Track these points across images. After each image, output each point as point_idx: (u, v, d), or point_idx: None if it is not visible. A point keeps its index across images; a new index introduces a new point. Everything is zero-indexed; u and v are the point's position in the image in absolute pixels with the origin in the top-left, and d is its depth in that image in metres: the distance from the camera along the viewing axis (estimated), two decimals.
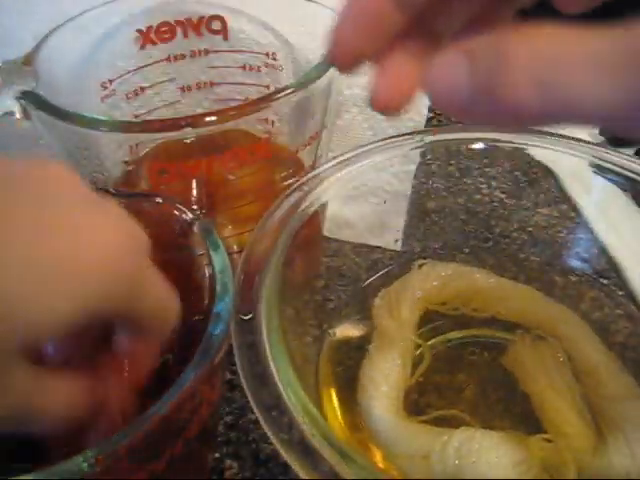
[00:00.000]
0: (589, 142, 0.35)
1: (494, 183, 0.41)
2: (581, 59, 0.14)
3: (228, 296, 0.24)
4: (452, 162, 0.39)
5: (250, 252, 0.30)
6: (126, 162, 0.35)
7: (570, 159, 0.35)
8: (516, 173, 0.42)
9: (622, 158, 0.33)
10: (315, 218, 0.34)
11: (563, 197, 0.42)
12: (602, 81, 0.14)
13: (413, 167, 0.38)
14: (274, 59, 0.42)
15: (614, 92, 0.13)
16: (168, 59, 0.42)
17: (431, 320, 0.37)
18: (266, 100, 0.32)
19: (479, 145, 0.36)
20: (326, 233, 0.40)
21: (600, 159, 0.34)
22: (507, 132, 0.35)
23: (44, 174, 0.19)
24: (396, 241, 0.41)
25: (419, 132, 0.36)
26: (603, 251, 0.39)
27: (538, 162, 0.38)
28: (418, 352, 0.35)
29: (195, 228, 0.28)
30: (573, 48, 0.14)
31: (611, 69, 0.14)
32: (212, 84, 0.44)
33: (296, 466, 0.21)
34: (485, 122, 0.16)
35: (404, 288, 0.36)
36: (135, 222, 0.21)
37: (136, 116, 0.42)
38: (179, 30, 0.41)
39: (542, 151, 0.35)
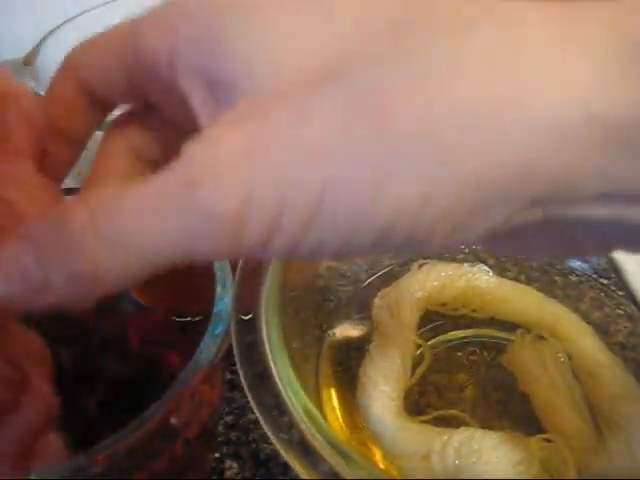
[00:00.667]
0: None
1: None
2: (133, 206, 0.14)
3: (228, 296, 0.24)
4: None
5: None
6: None
7: None
8: None
9: None
10: None
11: None
12: (155, 224, 0.13)
13: None
14: None
15: (170, 234, 0.13)
16: None
17: (431, 320, 0.37)
18: None
19: None
20: None
21: None
22: None
23: None
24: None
25: None
26: None
27: None
28: (418, 352, 0.35)
29: None
30: (126, 197, 0.14)
31: (154, 212, 0.13)
32: None
33: (296, 466, 0.22)
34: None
35: (404, 288, 0.36)
36: None
37: None
38: None
39: None
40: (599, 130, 0.12)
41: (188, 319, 0.29)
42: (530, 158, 0.13)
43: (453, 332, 0.37)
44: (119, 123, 0.20)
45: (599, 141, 0.12)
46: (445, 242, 0.14)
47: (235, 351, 0.25)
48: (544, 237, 0.16)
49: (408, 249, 0.14)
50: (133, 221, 0.14)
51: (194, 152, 0.14)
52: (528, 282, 0.38)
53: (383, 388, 0.32)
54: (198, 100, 0.16)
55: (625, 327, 0.36)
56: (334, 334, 0.35)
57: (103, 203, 0.14)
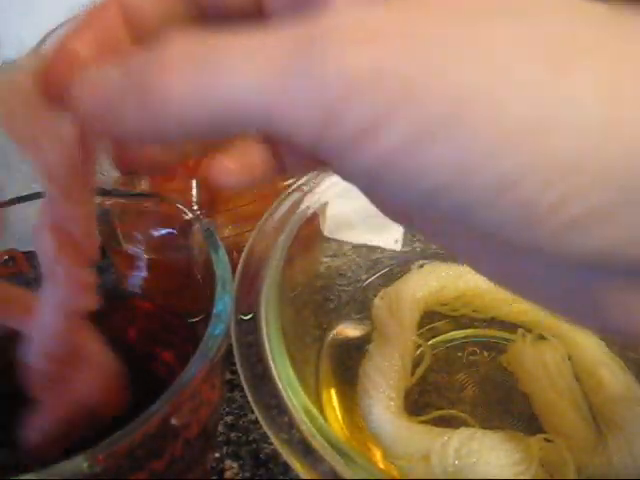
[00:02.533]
0: None
1: None
2: (236, 53, 0.13)
3: (228, 296, 0.24)
4: None
5: (250, 252, 0.30)
6: None
7: None
8: None
9: None
10: (315, 218, 0.34)
11: None
12: (258, 73, 0.12)
13: None
14: None
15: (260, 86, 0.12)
16: None
17: (431, 320, 0.37)
18: None
19: None
20: (326, 233, 0.40)
21: None
22: None
23: None
24: (396, 241, 0.41)
25: None
26: None
27: None
28: (418, 352, 0.35)
29: (195, 228, 0.28)
30: (224, 45, 0.13)
31: (267, 61, 0.12)
32: None
33: (296, 466, 0.22)
34: (137, 139, 0.15)
35: (404, 288, 0.36)
36: None
37: None
38: None
39: None
40: None
41: (188, 319, 0.29)
42: None
43: (453, 332, 0.37)
44: None
45: None
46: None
47: (235, 351, 0.25)
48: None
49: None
50: (228, 67, 0.13)
51: (329, 16, 0.12)
52: None
53: (383, 388, 0.32)
54: None
55: None
56: (334, 334, 0.35)
57: (196, 50, 0.13)
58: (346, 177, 0.14)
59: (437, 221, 0.16)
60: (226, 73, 0.13)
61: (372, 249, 0.41)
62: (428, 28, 0.12)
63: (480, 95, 0.11)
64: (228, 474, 0.33)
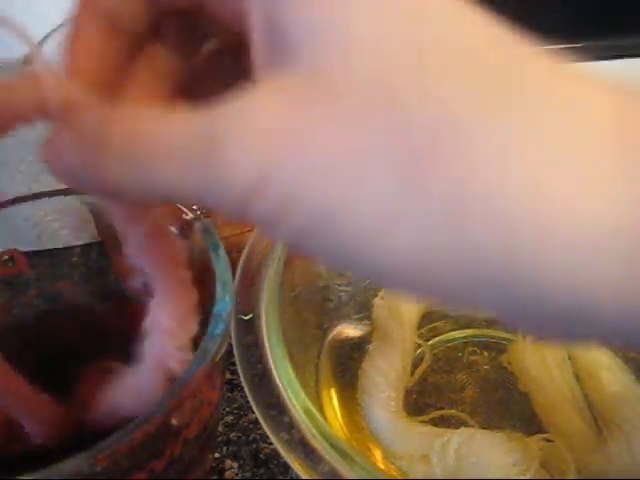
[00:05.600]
0: None
1: None
2: (159, 143, 0.14)
3: (228, 296, 0.24)
4: None
5: (250, 252, 0.30)
6: None
7: None
8: None
9: None
10: None
11: None
12: (174, 168, 0.14)
13: None
14: None
15: (187, 180, 0.14)
16: None
17: (431, 320, 0.37)
18: None
19: None
20: None
21: None
22: None
23: None
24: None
25: None
26: None
27: None
28: (418, 352, 0.35)
29: (195, 228, 0.28)
30: (155, 131, 0.14)
31: (182, 154, 0.14)
32: None
33: (296, 466, 0.22)
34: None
35: None
36: None
37: None
38: None
39: None
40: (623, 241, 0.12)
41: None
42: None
43: (453, 332, 0.37)
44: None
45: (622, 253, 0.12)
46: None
47: (235, 351, 0.25)
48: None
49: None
50: (152, 154, 0.14)
51: (234, 107, 0.13)
52: None
53: (383, 388, 0.32)
54: (259, 25, 0.15)
55: None
56: (334, 334, 0.35)
57: (134, 125, 0.14)
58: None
59: None
60: (152, 170, 0.14)
61: None
62: (313, 133, 0.13)
63: (339, 208, 0.13)
64: (228, 474, 0.33)
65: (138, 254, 0.20)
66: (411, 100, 0.12)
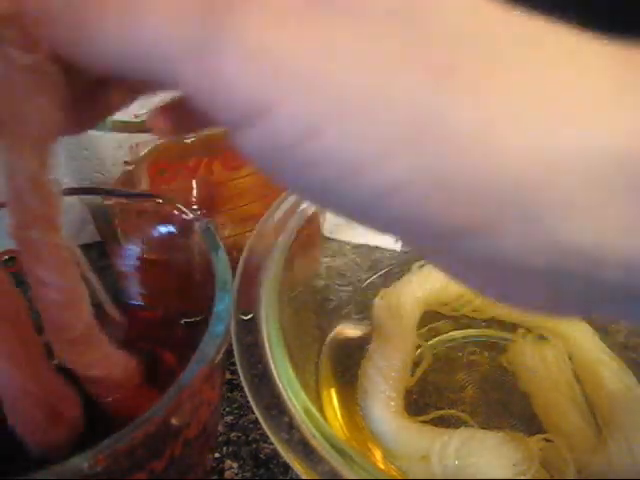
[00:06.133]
0: None
1: None
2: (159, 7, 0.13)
3: (228, 296, 0.24)
4: None
5: (250, 252, 0.30)
6: (126, 162, 0.35)
7: None
8: None
9: None
10: (315, 218, 0.34)
11: None
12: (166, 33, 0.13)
13: None
14: None
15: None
16: None
17: (431, 320, 0.37)
18: None
19: None
20: (326, 233, 0.40)
21: None
22: None
23: None
24: (396, 241, 0.41)
25: None
26: None
27: None
28: (418, 352, 0.35)
29: (195, 228, 0.28)
30: None
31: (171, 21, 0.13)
32: None
33: (296, 466, 0.22)
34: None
35: (404, 288, 0.36)
36: None
37: (136, 116, 0.42)
38: None
39: None
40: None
41: (188, 319, 0.29)
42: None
43: (453, 332, 0.37)
44: None
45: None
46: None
47: (235, 351, 0.25)
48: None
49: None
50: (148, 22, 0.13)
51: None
52: None
53: (383, 388, 0.32)
54: None
55: (625, 327, 0.36)
56: (334, 334, 0.35)
57: None
58: (242, 151, 0.14)
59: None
60: (146, 26, 0.13)
61: (372, 249, 0.41)
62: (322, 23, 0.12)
63: (368, 96, 0.12)
64: (228, 474, 0.33)
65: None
66: (433, 17, 0.12)
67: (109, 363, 0.23)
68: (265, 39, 0.12)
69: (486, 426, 0.31)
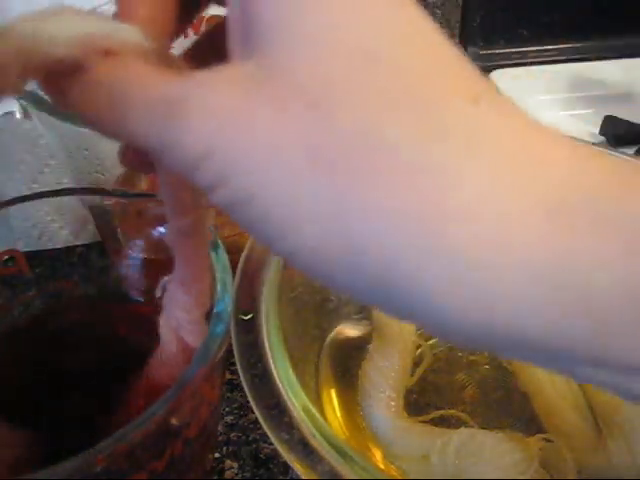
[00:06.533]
0: (588, 142, 0.35)
1: None
2: (134, 94, 0.15)
3: (228, 296, 0.24)
4: None
5: (250, 252, 0.30)
6: None
7: None
8: None
9: (622, 158, 0.33)
10: None
11: None
12: (140, 120, 0.15)
13: None
14: None
15: (150, 135, 0.15)
16: None
17: None
18: None
19: None
20: None
21: None
22: None
23: None
24: None
25: None
26: None
27: None
28: (418, 352, 0.35)
29: None
30: (135, 82, 0.15)
31: (149, 110, 0.15)
32: None
33: (296, 466, 0.22)
34: None
35: None
36: None
37: None
38: None
39: None
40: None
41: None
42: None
43: None
44: None
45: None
46: None
47: (235, 351, 0.25)
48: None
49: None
50: (126, 102, 0.15)
51: (201, 81, 0.14)
52: None
53: (383, 388, 0.32)
54: (235, 15, 0.16)
55: None
56: (334, 334, 0.35)
57: (122, 72, 0.15)
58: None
59: None
60: (123, 116, 0.15)
61: None
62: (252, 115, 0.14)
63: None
64: (228, 474, 0.33)
65: (175, 238, 0.21)
66: (344, 110, 0.13)
67: None
68: (203, 133, 0.14)
69: (486, 426, 0.31)
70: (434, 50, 0.14)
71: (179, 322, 0.23)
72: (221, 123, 0.14)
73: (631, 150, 0.52)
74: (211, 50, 0.20)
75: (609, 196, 0.12)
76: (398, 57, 0.14)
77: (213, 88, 0.14)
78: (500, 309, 0.12)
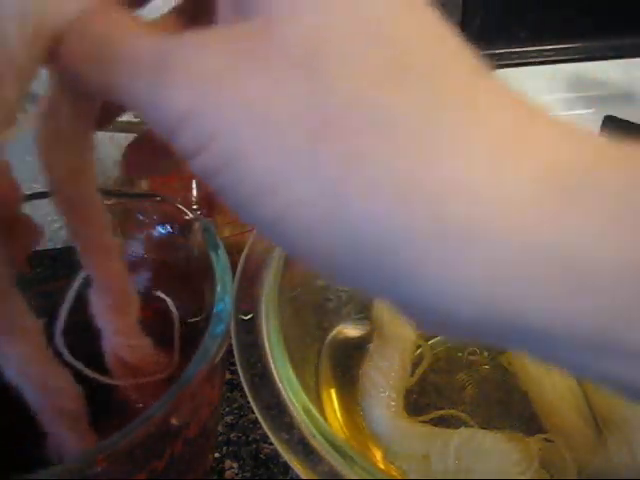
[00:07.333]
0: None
1: None
2: (123, 51, 0.15)
3: (228, 296, 0.24)
4: None
5: (250, 252, 0.30)
6: None
7: None
8: None
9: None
10: None
11: None
12: (127, 75, 0.15)
13: None
14: None
15: (135, 92, 0.15)
16: None
17: None
18: None
19: None
20: None
21: None
22: None
23: None
24: None
25: None
26: None
27: None
28: (418, 352, 0.35)
29: (195, 228, 0.28)
30: (124, 40, 0.15)
31: (136, 66, 0.15)
32: None
33: (296, 466, 0.22)
34: None
35: None
36: None
37: (136, 116, 0.42)
38: None
39: None
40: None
41: (187, 319, 0.29)
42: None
43: None
44: None
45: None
46: None
47: (235, 351, 0.25)
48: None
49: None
50: (114, 58, 0.15)
51: (188, 42, 0.14)
52: None
53: (383, 388, 0.32)
54: None
55: None
56: (334, 334, 0.35)
57: (111, 29, 0.15)
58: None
59: None
60: (111, 71, 0.15)
61: None
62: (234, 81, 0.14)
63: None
64: (228, 474, 0.33)
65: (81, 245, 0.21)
66: (341, 78, 0.13)
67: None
68: (184, 97, 0.14)
69: (486, 426, 0.31)
70: (433, 24, 0.14)
71: (113, 342, 0.23)
72: (206, 84, 0.14)
73: None
74: (197, 10, 0.19)
75: (607, 176, 0.12)
76: (397, 26, 0.14)
77: (201, 49, 0.14)
78: (501, 292, 0.12)
